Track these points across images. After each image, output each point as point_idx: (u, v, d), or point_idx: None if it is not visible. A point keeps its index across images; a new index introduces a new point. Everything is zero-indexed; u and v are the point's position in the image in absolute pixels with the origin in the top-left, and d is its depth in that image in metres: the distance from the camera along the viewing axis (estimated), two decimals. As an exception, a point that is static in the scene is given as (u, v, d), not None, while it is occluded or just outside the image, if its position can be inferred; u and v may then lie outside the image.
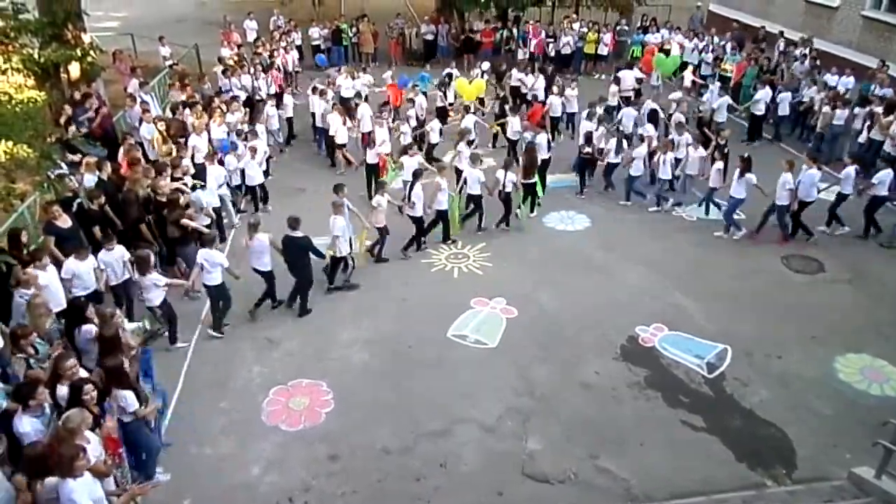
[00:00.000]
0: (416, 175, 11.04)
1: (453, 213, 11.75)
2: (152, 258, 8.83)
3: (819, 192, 11.33)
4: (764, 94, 15.06)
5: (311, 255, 9.47)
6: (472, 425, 7.79)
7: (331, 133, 13.91)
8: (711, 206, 12.46)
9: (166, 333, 8.99)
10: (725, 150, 12.17)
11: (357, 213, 10.47)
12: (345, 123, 13.77)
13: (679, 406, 8.15)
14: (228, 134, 12.84)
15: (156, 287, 8.56)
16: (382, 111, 13.74)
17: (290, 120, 15.53)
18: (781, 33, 19.49)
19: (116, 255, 8.79)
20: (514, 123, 14.25)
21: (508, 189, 11.56)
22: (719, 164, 11.94)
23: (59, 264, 8.42)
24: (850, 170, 11.46)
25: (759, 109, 15.26)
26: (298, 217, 9.34)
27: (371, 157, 12.67)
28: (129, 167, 10.63)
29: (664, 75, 17.80)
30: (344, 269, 10.30)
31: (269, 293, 9.64)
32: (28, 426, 5.83)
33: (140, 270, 8.52)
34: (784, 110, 15.51)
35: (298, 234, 9.28)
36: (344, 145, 14.01)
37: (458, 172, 12.00)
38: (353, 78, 16.17)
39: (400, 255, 11.21)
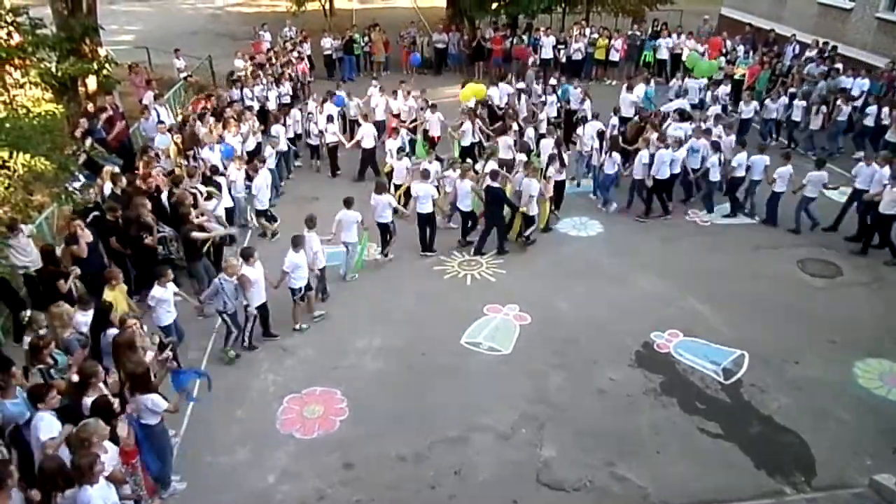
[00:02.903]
0: (552, 158, 12.30)
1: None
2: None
3: (672, 174, 12.28)
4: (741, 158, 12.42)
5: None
6: (487, 433, 7.77)
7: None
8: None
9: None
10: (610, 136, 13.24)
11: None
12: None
13: (696, 413, 8.07)
14: (243, 143, 12.95)
15: (389, 206, 10.68)
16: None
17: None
18: (794, 36, 19.38)
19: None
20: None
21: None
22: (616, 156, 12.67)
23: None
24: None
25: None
26: (499, 170, 11.21)
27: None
28: (143, 180, 10.74)
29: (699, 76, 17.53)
30: (529, 226, 11.68)
31: (469, 230, 11.76)
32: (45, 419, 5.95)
33: (378, 191, 10.64)
34: (797, 115, 15.27)
35: (496, 184, 10.96)
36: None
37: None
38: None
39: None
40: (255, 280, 8.67)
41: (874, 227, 11.10)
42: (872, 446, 7.45)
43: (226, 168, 11.85)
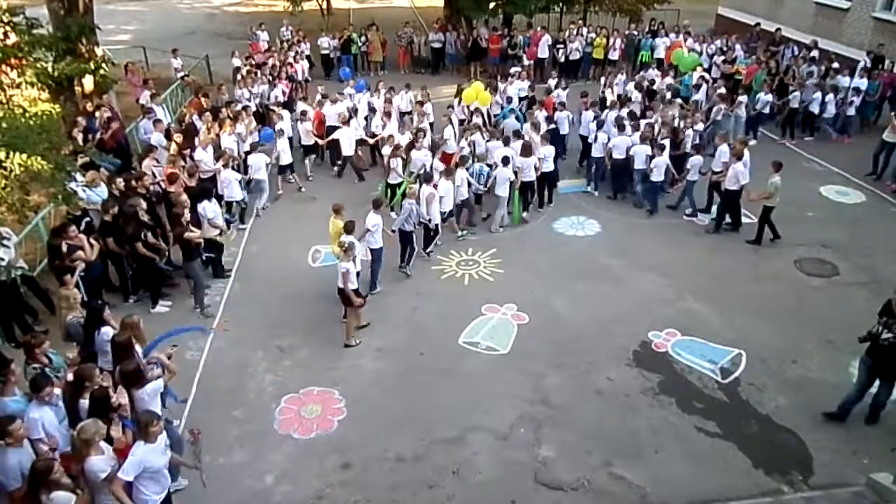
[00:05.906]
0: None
1: None
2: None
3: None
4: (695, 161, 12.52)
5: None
6: (485, 433, 7.77)
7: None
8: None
9: None
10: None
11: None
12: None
13: (694, 412, 8.08)
14: (239, 143, 12.91)
15: (533, 168, 11.92)
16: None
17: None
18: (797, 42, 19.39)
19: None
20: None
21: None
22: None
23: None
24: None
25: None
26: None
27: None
28: (138, 180, 10.69)
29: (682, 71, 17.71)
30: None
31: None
32: (36, 413, 5.94)
33: (524, 153, 11.73)
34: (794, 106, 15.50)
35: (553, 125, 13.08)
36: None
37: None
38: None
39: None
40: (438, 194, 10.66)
41: (723, 203, 11.94)
42: (870, 445, 7.47)
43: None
